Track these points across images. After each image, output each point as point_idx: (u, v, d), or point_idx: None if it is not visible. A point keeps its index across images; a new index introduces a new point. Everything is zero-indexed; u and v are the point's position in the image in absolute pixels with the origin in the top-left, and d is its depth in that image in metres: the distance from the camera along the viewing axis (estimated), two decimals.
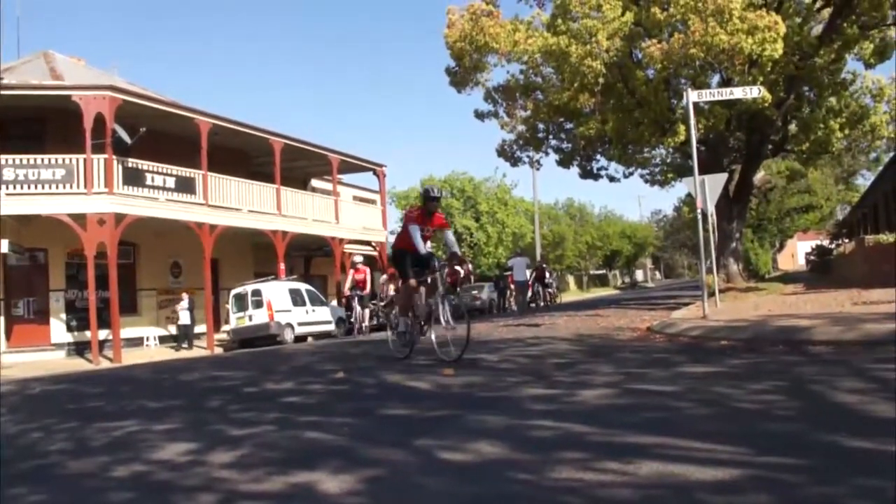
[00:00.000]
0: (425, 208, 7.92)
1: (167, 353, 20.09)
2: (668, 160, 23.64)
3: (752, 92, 12.59)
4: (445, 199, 41.26)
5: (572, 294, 53.25)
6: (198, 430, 4.57)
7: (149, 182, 20.10)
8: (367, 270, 17.21)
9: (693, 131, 11.75)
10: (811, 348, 6.40)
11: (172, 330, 22.43)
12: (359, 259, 18.58)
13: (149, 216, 19.77)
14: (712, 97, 12.73)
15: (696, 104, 12.36)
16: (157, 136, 20.62)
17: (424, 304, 7.82)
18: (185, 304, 21.29)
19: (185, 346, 20.99)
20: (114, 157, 19.11)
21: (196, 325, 22.38)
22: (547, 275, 23.53)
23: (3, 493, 3.33)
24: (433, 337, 7.74)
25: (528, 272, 22.59)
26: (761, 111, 16.70)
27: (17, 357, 18.79)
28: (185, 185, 21.09)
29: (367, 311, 18.68)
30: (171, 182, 20.70)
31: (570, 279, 61.63)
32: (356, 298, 17.31)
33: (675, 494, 2.56)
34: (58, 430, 4.99)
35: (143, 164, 19.97)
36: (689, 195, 19.83)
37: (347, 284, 17.19)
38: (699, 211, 11.65)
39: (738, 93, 12.52)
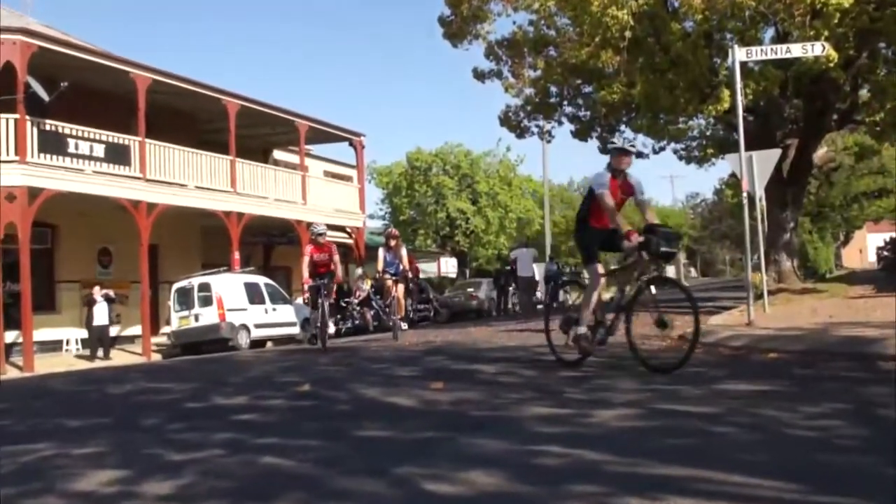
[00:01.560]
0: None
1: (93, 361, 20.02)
2: (709, 132, 23.65)
3: (815, 49, 12.58)
4: (436, 175, 41.29)
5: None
6: (128, 454, 4.55)
7: (72, 149, 19.97)
8: (333, 248, 13.57)
9: (739, 97, 11.74)
10: (882, 364, 6.42)
11: None
12: (319, 230, 13.90)
13: (71, 191, 19.66)
14: (764, 56, 12.71)
15: (743, 64, 12.34)
16: (82, 92, 20.47)
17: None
18: (99, 298, 20.91)
19: (99, 354, 20.56)
20: (27, 117, 18.96)
21: (125, 328, 22.28)
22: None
23: None
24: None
25: (535, 266, 22.62)
26: (825, 73, 16.68)
27: None
28: (117, 155, 20.97)
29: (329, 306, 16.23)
30: (99, 150, 20.58)
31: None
32: (319, 290, 13.22)
33: None
34: None
35: (65, 128, 19.84)
36: (732, 175, 19.81)
37: (305, 269, 13.28)
38: (745, 195, 11.65)
39: (796, 50, 12.51)
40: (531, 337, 12.17)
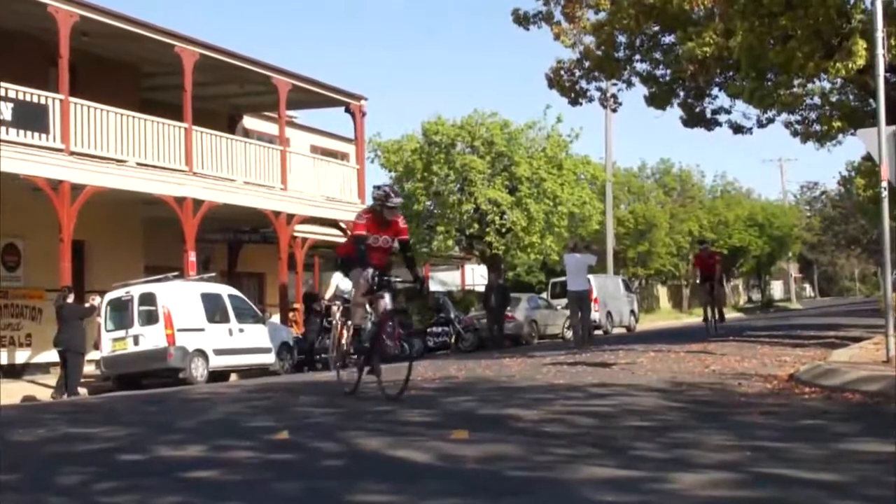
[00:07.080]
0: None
1: None
2: (835, 99, 23.50)
3: None
4: (462, 154, 41.31)
5: (664, 315, 53.26)
6: None
7: None
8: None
9: (881, 51, 11.67)
10: None
11: (2, 356, 22.39)
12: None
13: None
14: None
15: (888, 5, 12.28)
16: None
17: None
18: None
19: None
20: None
21: (38, 352, 22.33)
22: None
23: None
24: None
25: (589, 277, 22.63)
26: None
27: None
28: (30, 118, 21.00)
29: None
30: (6, 111, 20.63)
31: (662, 292, 61.59)
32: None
33: None
34: None
35: None
36: (867, 158, 19.64)
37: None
38: (884, 185, 11.58)
39: None
40: (587, 374, 12.17)
